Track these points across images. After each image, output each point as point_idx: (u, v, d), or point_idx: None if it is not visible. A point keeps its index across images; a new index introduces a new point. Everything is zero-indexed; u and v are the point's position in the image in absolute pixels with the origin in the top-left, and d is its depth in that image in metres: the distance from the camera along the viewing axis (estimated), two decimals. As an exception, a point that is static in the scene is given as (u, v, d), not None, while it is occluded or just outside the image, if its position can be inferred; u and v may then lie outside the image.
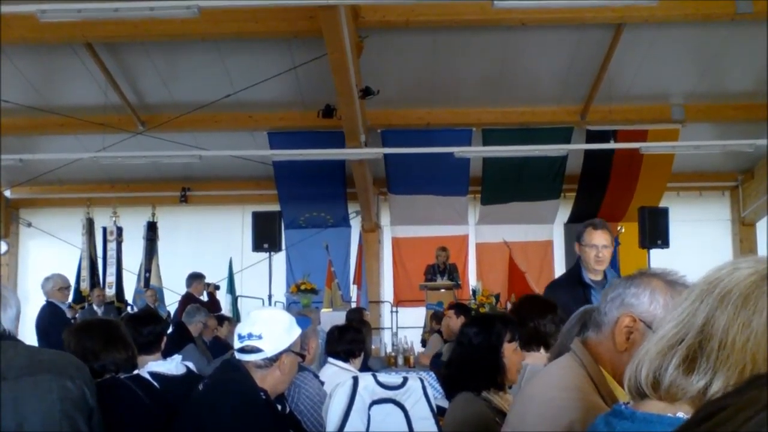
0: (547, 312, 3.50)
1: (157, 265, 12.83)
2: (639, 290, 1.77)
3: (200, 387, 2.90)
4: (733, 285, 1.18)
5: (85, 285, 11.95)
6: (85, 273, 12.13)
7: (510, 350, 3.09)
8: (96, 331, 3.27)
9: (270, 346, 2.86)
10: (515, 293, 11.80)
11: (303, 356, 3.03)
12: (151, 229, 12.98)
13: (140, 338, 3.78)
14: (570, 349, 1.86)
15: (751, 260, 1.22)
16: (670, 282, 1.77)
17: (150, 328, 3.89)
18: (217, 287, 11.59)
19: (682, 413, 1.14)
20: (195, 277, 10.58)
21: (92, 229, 12.58)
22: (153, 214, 13.08)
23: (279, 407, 2.92)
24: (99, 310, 10.93)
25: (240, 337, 2.91)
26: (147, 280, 12.54)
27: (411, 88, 11.62)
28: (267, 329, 2.89)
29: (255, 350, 2.85)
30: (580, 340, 1.86)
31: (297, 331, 2.97)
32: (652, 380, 1.19)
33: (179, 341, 7.23)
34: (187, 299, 10.28)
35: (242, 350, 2.88)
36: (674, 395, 1.16)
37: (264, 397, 2.81)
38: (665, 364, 1.17)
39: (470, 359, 3.09)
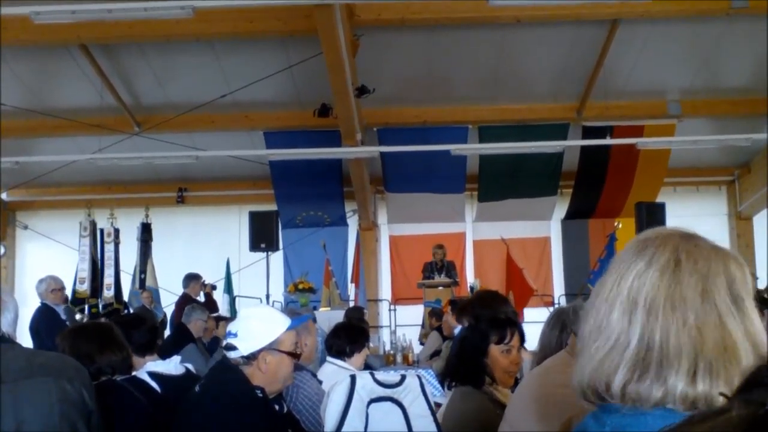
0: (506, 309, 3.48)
1: (152, 266, 12.80)
2: None
3: (196, 389, 2.89)
4: (652, 292, 1.19)
5: (84, 287, 11.91)
6: (84, 275, 12.06)
7: (496, 352, 3.09)
8: (90, 334, 3.27)
9: (244, 345, 2.84)
10: (513, 290, 11.82)
11: (295, 355, 2.95)
12: (146, 230, 12.94)
13: (132, 341, 3.77)
14: (564, 346, 1.86)
15: (648, 249, 1.25)
16: None
17: (141, 330, 3.87)
18: (213, 287, 11.58)
19: (671, 405, 1.16)
20: (192, 278, 10.57)
21: (95, 231, 12.52)
22: (146, 216, 13.05)
23: (277, 407, 2.91)
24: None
25: (226, 335, 2.96)
26: (142, 282, 12.51)
27: (407, 86, 11.62)
28: (242, 327, 2.89)
29: (232, 348, 2.86)
30: (575, 335, 1.85)
31: (279, 330, 2.89)
32: (619, 394, 1.19)
33: (180, 342, 7.21)
34: (184, 300, 10.28)
35: (225, 348, 2.91)
36: (643, 405, 1.17)
37: (261, 395, 2.80)
38: (631, 386, 1.18)
39: (456, 356, 3.14)
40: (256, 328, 2.88)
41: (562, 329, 2.71)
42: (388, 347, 11.09)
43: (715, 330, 1.17)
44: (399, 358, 9.92)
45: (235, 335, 2.87)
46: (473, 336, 3.14)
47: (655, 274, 1.21)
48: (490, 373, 3.07)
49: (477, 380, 3.07)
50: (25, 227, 15.17)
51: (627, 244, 1.31)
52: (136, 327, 3.86)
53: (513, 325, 3.17)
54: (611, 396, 1.19)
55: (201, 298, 10.79)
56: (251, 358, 2.83)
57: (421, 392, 3.09)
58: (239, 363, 2.84)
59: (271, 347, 2.85)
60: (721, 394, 1.03)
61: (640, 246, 1.27)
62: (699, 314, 1.17)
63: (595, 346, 1.22)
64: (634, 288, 1.21)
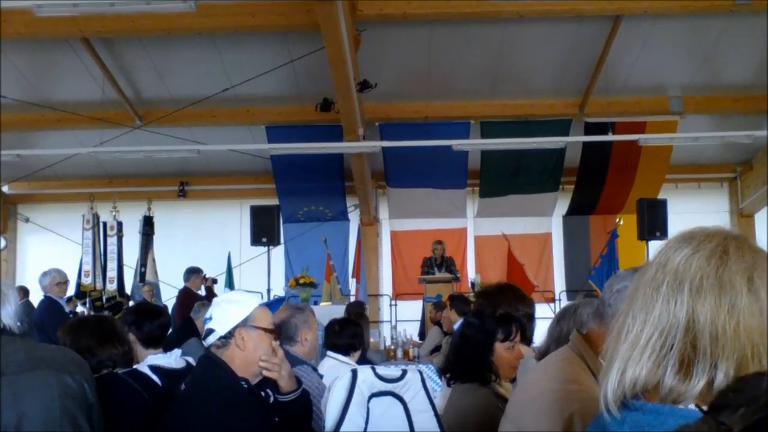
0: (525, 308, 3.48)
1: (153, 260, 12.79)
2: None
3: (182, 387, 2.88)
4: (699, 273, 1.18)
5: (89, 280, 11.89)
6: (88, 267, 12.04)
7: (502, 349, 3.10)
8: (91, 328, 3.27)
9: (220, 326, 2.86)
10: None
11: (271, 331, 2.96)
12: (147, 223, 12.92)
13: (143, 331, 3.76)
14: (568, 340, 1.85)
15: (694, 239, 1.23)
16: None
17: (155, 322, 3.86)
18: (214, 281, 11.57)
19: (692, 405, 1.14)
20: (192, 272, 10.56)
21: (98, 224, 12.51)
22: (149, 209, 13.04)
23: (263, 394, 2.90)
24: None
25: (203, 322, 2.98)
26: (142, 275, 12.49)
27: (409, 81, 11.61)
28: (216, 310, 2.92)
29: (210, 332, 2.88)
30: (578, 332, 1.85)
31: (251, 306, 2.91)
32: (642, 387, 1.18)
33: (184, 336, 7.19)
34: (185, 294, 10.27)
35: (204, 336, 2.94)
36: (676, 399, 1.15)
37: (246, 386, 2.81)
38: (660, 373, 1.16)
39: (460, 354, 3.14)
40: (229, 308, 2.91)
41: (556, 325, 2.72)
42: (388, 342, 11.10)
43: (759, 319, 1.15)
44: (399, 353, 9.94)
45: (211, 319, 2.90)
46: (478, 335, 3.13)
47: (701, 258, 1.19)
48: (495, 371, 3.07)
49: (483, 378, 3.07)
50: (27, 220, 15.18)
51: (671, 237, 1.29)
52: (151, 318, 3.86)
53: (516, 320, 3.18)
54: (649, 395, 1.18)
55: (202, 291, 10.78)
56: (228, 337, 2.85)
57: (422, 387, 3.09)
58: (218, 346, 2.86)
59: (246, 323, 2.87)
60: (697, 406, 1.02)
61: (686, 236, 1.26)
62: (745, 301, 1.16)
63: (636, 334, 1.20)
64: (681, 270, 1.20)
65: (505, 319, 3.16)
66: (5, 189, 14.67)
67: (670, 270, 1.21)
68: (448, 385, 3.19)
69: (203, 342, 2.97)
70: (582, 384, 1.70)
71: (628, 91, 11.86)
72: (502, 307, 3.39)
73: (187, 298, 9.84)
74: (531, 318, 3.48)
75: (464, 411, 3.02)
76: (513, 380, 3.22)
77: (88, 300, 11.74)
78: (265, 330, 2.90)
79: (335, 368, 4.33)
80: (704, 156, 13.83)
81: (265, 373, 2.85)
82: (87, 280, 11.87)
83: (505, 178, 13.46)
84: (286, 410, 2.91)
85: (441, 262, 11.72)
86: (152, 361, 3.43)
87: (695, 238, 1.24)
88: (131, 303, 11.99)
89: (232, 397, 2.75)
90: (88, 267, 12.00)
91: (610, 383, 1.21)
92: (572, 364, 1.76)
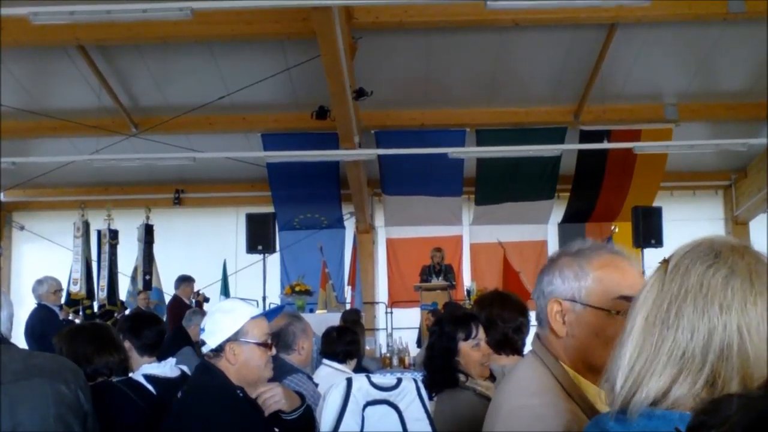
0: (518, 316, 3.47)
1: (156, 268, 12.78)
2: (550, 276, 1.78)
3: (179, 394, 2.86)
4: (740, 295, 1.21)
5: (77, 288, 11.86)
6: (77, 276, 12.01)
7: (467, 348, 3.13)
8: (87, 335, 3.26)
9: (211, 338, 2.82)
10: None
11: (265, 345, 2.87)
12: (148, 231, 12.90)
13: (141, 338, 3.75)
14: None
15: (725, 258, 1.25)
16: (574, 253, 1.81)
17: (153, 329, 3.84)
18: (206, 299, 11.39)
19: None
20: (183, 280, 10.49)
21: (88, 232, 12.48)
22: (147, 217, 13.02)
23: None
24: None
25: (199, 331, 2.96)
26: (148, 283, 12.43)
27: (405, 89, 11.62)
28: (209, 321, 2.88)
29: (203, 343, 2.86)
30: (537, 337, 1.81)
31: (242, 320, 2.82)
32: (660, 396, 1.19)
33: (177, 345, 7.18)
34: (175, 302, 10.24)
35: (200, 345, 2.91)
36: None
37: (241, 394, 2.78)
38: (684, 387, 1.18)
39: (430, 364, 3.16)
40: (220, 320, 2.85)
41: None
42: (384, 350, 11.09)
43: None
44: (395, 361, 9.92)
45: (204, 330, 2.87)
46: (441, 340, 3.17)
47: (745, 282, 1.22)
48: (464, 371, 3.08)
49: (455, 380, 3.08)
50: (22, 228, 15.15)
51: (692, 249, 1.29)
52: (149, 325, 3.84)
53: (475, 318, 3.20)
54: (677, 403, 1.19)
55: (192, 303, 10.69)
56: (219, 350, 2.80)
57: (417, 395, 3.09)
58: (211, 357, 2.82)
59: (237, 338, 2.80)
60: (677, 429, 1.04)
61: (710, 251, 1.28)
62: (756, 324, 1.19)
63: (668, 345, 1.21)
64: (720, 290, 1.22)
65: (463, 320, 3.19)
66: (1, 197, 14.63)
67: (707, 288, 1.23)
68: (430, 398, 3.19)
69: (202, 352, 2.95)
70: (553, 395, 1.62)
71: (624, 98, 11.89)
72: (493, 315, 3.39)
73: (177, 307, 9.83)
74: (521, 329, 3.45)
75: (450, 416, 3.02)
76: (490, 378, 3.23)
77: (81, 308, 11.71)
78: (258, 344, 2.83)
79: (331, 376, 4.33)
80: (699, 164, 13.86)
81: (269, 408, 2.81)
82: (75, 288, 11.84)
83: (501, 186, 13.47)
84: (288, 426, 2.88)
85: (439, 269, 11.72)
86: (147, 370, 3.42)
87: (723, 255, 1.26)
88: (127, 311, 11.97)
89: (229, 405, 2.74)
90: (77, 275, 11.97)
91: (643, 388, 1.22)
92: (539, 374, 1.70)
